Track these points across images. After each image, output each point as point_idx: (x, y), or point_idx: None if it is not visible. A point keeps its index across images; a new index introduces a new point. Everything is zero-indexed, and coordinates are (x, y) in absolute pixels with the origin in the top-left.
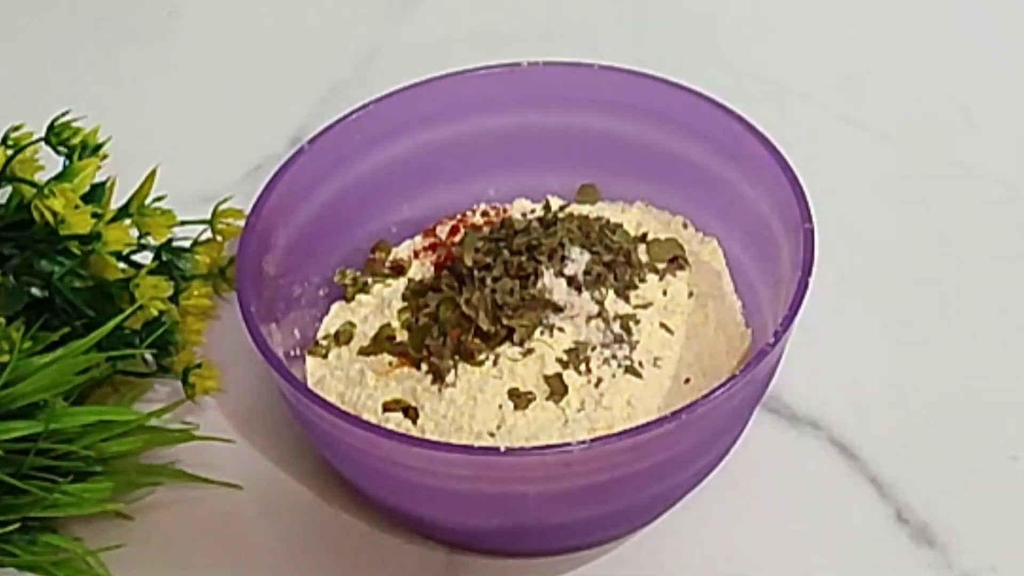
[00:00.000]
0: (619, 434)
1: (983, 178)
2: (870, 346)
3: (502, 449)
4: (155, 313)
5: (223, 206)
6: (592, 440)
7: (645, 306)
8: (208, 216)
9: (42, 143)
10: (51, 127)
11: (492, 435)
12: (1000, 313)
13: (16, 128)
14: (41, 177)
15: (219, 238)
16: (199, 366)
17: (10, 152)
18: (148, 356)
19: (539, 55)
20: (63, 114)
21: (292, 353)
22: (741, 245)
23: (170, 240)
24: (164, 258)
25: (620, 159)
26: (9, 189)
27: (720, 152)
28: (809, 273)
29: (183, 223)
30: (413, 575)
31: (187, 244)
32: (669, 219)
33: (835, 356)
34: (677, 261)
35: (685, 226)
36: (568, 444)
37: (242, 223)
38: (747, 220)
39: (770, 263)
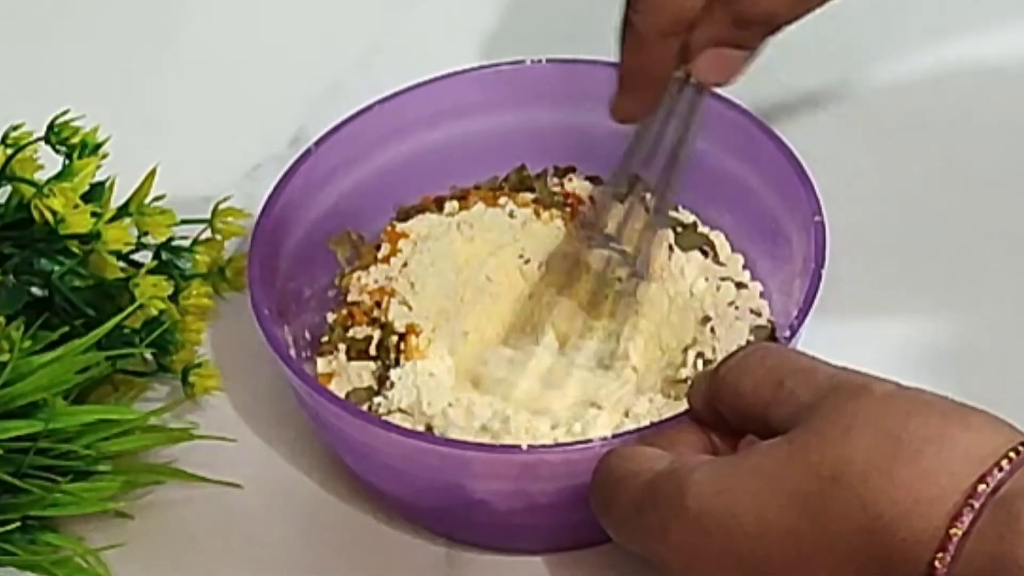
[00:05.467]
0: (638, 430)
1: (984, 176)
2: (870, 344)
3: (524, 447)
4: (155, 312)
5: (223, 205)
6: (613, 436)
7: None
8: (208, 215)
9: (42, 142)
10: (51, 126)
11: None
12: (1005, 311)
13: (16, 127)
14: (41, 176)
15: (219, 237)
16: (199, 365)
17: (10, 151)
18: (148, 355)
19: (540, 53)
20: (63, 113)
21: (304, 355)
22: (749, 239)
23: (170, 239)
24: (164, 257)
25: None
26: (9, 188)
27: (727, 147)
28: (822, 265)
29: (183, 222)
30: (412, 569)
31: (187, 243)
32: (677, 213)
33: (835, 355)
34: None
35: (696, 223)
36: (590, 440)
37: (242, 222)
38: (755, 214)
39: (779, 258)
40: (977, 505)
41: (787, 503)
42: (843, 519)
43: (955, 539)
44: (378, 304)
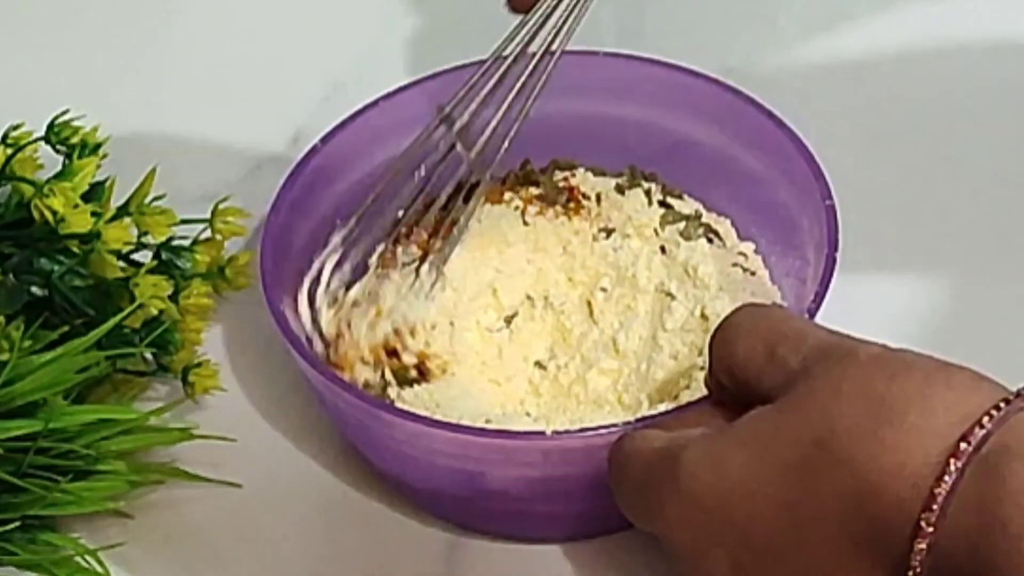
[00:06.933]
0: (660, 415)
1: (986, 174)
2: (881, 329)
3: (548, 433)
4: (155, 312)
5: (223, 205)
6: (636, 420)
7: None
8: (208, 215)
9: (42, 142)
10: (51, 126)
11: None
12: (1009, 308)
13: (16, 127)
14: (41, 176)
15: (219, 237)
16: (199, 365)
17: (10, 151)
18: (148, 355)
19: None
20: (63, 113)
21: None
22: (757, 227)
23: (170, 239)
24: (164, 257)
25: (630, 144)
26: (9, 188)
27: (733, 134)
28: (836, 249)
29: (183, 222)
30: (418, 559)
31: (187, 243)
32: (682, 203)
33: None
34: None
35: (699, 212)
36: (614, 425)
37: (242, 222)
38: (763, 201)
39: (788, 244)
40: (960, 464)
41: (777, 473)
42: (832, 485)
43: (940, 499)
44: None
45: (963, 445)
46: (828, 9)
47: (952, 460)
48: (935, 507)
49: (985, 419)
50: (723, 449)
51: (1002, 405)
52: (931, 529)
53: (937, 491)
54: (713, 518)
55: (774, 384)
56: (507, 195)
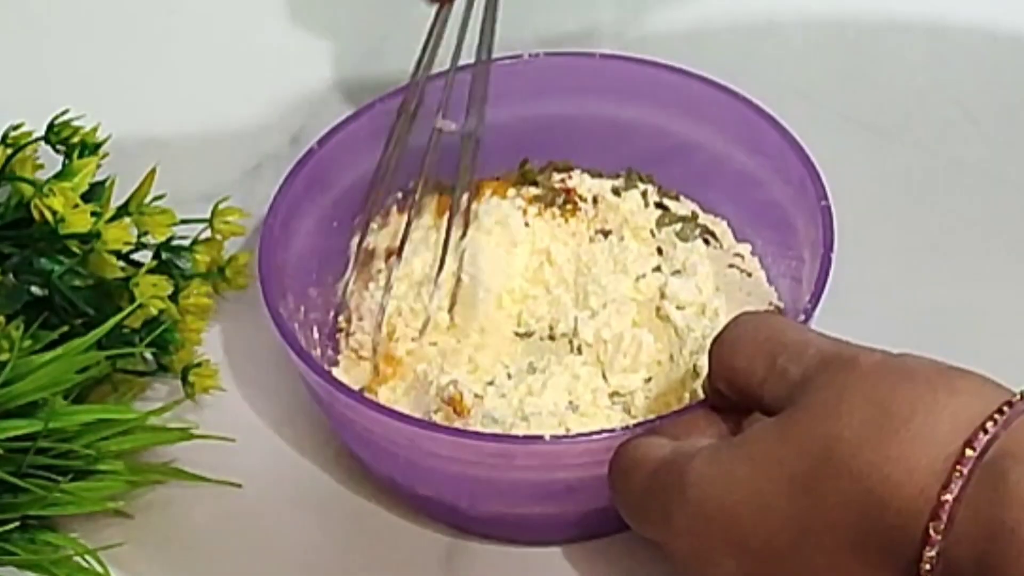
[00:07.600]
0: (658, 419)
1: (983, 175)
2: (878, 330)
3: (546, 438)
4: (154, 312)
5: (223, 205)
6: (634, 425)
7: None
8: (208, 215)
9: (42, 142)
10: (51, 126)
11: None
12: (1007, 309)
13: (16, 127)
14: (41, 176)
15: (219, 237)
16: (199, 365)
17: (10, 151)
18: (148, 355)
19: (538, 48)
20: (63, 113)
21: (315, 352)
22: (753, 227)
23: (170, 239)
24: (163, 257)
25: (628, 146)
26: (9, 188)
27: (730, 135)
28: (831, 249)
29: (183, 222)
30: (415, 562)
31: (187, 243)
32: (678, 204)
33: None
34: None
35: (695, 213)
36: (612, 430)
37: (242, 222)
38: (759, 202)
39: (785, 245)
40: (966, 471)
41: (783, 486)
42: (838, 496)
43: (947, 506)
44: None
45: (968, 451)
46: (826, 9)
47: (958, 467)
48: (943, 515)
49: (989, 424)
50: (730, 462)
51: (1005, 409)
52: (939, 537)
53: (944, 498)
54: (721, 529)
55: (776, 395)
56: (511, 191)
